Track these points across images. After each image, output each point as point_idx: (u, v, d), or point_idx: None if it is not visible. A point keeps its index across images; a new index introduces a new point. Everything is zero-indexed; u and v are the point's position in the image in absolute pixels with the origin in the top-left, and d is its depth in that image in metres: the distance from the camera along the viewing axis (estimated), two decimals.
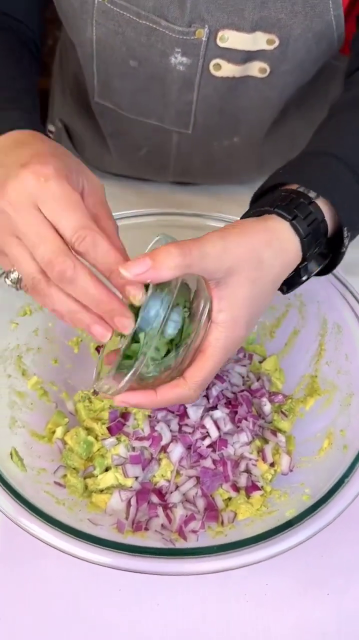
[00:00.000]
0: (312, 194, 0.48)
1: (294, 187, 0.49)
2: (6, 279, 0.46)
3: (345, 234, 0.48)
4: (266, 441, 0.56)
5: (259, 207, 0.49)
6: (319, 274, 0.52)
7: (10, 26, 0.66)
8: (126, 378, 0.42)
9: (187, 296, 0.46)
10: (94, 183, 0.49)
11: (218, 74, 0.64)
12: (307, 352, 0.61)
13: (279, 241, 0.46)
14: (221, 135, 0.74)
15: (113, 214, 0.58)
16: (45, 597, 0.50)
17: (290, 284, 0.50)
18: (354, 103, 0.57)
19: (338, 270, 0.59)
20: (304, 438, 0.56)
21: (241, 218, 0.51)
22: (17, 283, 0.45)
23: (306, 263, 0.49)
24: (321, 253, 0.51)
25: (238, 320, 0.45)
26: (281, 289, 0.51)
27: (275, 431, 0.56)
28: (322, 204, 0.48)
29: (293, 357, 0.62)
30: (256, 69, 0.64)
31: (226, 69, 0.64)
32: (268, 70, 0.64)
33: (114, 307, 0.42)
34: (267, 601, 0.51)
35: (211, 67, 0.64)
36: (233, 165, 0.81)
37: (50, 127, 0.92)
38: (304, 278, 0.50)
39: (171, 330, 0.44)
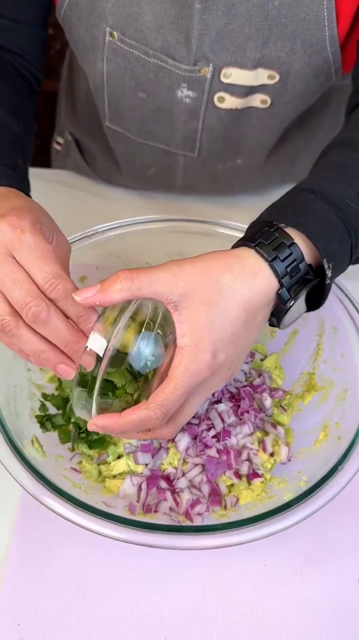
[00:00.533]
0: (282, 225, 0.48)
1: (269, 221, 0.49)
2: None
3: (326, 265, 0.47)
4: (266, 433, 0.60)
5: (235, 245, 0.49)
6: (311, 308, 0.51)
7: (9, 60, 0.68)
8: (86, 409, 0.46)
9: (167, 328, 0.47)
10: (62, 241, 0.51)
11: (222, 105, 0.68)
12: (306, 351, 0.65)
13: (240, 265, 0.46)
14: (225, 158, 0.78)
15: (122, 220, 0.63)
16: (59, 571, 0.54)
17: (278, 310, 0.48)
18: (343, 142, 0.57)
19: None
20: (302, 430, 0.60)
21: None
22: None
23: (284, 288, 0.47)
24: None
25: (199, 344, 0.44)
26: (271, 322, 0.50)
27: (275, 424, 0.61)
28: (296, 236, 0.47)
29: (293, 355, 0.67)
30: (257, 100, 0.68)
31: (229, 102, 0.68)
32: (269, 101, 0.68)
33: (82, 346, 0.45)
34: (265, 580, 0.55)
35: (215, 100, 0.68)
36: (236, 183, 0.85)
37: (59, 139, 0.96)
38: (290, 304, 0.47)
39: (142, 364, 0.46)
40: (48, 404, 0.59)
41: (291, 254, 0.46)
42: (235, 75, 0.65)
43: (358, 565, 0.56)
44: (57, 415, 0.58)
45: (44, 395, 0.60)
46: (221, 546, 0.46)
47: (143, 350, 0.46)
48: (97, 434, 0.57)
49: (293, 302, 0.47)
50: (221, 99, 0.68)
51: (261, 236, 0.47)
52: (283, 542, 0.57)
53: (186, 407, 0.47)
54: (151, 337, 0.46)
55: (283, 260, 0.46)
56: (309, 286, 0.48)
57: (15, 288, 0.45)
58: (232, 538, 0.46)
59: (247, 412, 0.59)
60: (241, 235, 0.51)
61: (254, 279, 0.46)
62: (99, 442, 0.57)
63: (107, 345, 0.44)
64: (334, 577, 0.55)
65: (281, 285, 0.46)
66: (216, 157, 0.78)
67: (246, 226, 0.52)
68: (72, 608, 0.52)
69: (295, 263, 0.47)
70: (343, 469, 0.50)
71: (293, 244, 0.47)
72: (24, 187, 0.55)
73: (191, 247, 0.68)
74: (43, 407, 0.59)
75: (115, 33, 0.65)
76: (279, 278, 0.46)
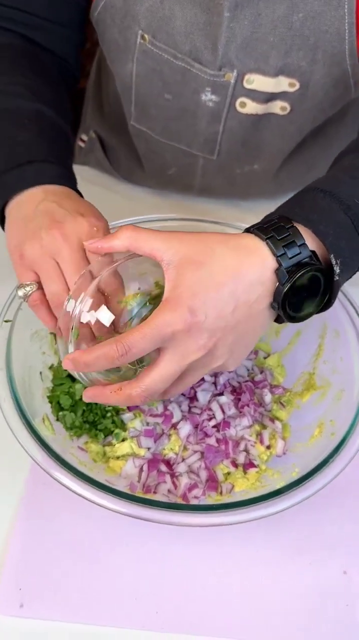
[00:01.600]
0: (292, 222, 0.48)
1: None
2: (19, 290, 0.55)
3: (333, 260, 0.48)
4: (264, 427, 0.63)
5: None
6: (322, 309, 0.52)
7: (49, 59, 0.72)
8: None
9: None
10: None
11: (243, 110, 0.72)
12: (307, 352, 0.68)
13: (236, 242, 0.48)
14: (243, 162, 0.81)
15: (136, 217, 0.67)
16: (61, 541, 0.57)
17: (278, 294, 0.49)
18: (357, 148, 0.60)
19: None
20: (299, 426, 0.63)
21: None
22: (26, 297, 0.55)
23: (282, 267, 0.47)
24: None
25: (178, 298, 0.45)
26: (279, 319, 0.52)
27: (273, 419, 0.64)
28: (304, 232, 0.48)
29: (295, 355, 0.70)
30: (277, 107, 0.71)
31: (251, 107, 0.71)
32: (289, 108, 0.71)
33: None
34: (256, 565, 0.58)
35: (237, 105, 0.71)
36: (252, 187, 0.88)
37: (83, 137, 0.99)
38: (287, 286, 0.47)
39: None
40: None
41: (292, 240, 0.47)
42: (257, 82, 0.68)
43: (345, 557, 0.59)
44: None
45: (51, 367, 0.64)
46: (213, 524, 0.49)
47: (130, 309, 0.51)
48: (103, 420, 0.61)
49: (289, 284, 0.47)
50: (243, 104, 0.71)
51: (263, 224, 0.49)
52: (275, 531, 0.60)
53: (156, 368, 0.47)
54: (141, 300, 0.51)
55: (279, 239, 0.47)
56: (310, 270, 0.47)
57: (73, 273, 0.52)
58: (225, 518, 0.49)
59: (247, 405, 0.63)
60: None
61: (248, 254, 0.47)
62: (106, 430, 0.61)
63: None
64: (321, 567, 0.58)
65: (279, 264, 0.47)
66: (234, 161, 0.81)
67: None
68: (72, 576, 0.56)
69: (296, 247, 0.47)
70: (333, 462, 0.52)
71: (297, 232, 0.48)
72: (76, 189, 0.61)
73: None
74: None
75: (146, 36, 0.68)
76: (276, 256, 0.47)
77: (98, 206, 0.59)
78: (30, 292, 0.54)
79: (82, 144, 1.00)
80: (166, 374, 0.47)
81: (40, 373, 0.62)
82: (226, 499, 0.57)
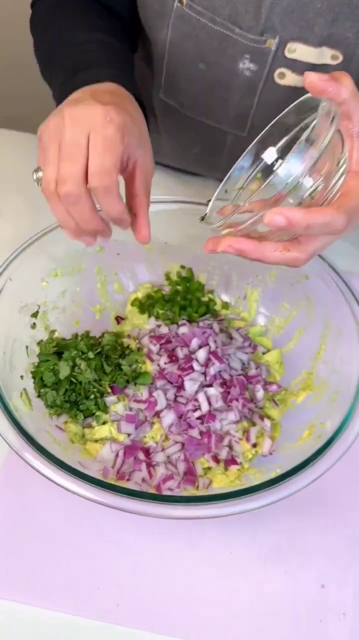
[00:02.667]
0: None
1: None
2: (35, 173, 0.52)
3: None
4: (253, 424, 0.60)
5: None
6: None
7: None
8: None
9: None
10: (146, 162, 0.55)
11: (281, 82, 0.69)
12: (308, 350, 0.64)
13: None
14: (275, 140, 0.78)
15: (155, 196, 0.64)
16: (37, 524, 0.56)
17: None
18: None
19: (347, 275, 0.62)
20: (290, 427, 0.60)
21: None
22: (40, 181, 0.52)
23: None
24: None
25: None
26: None
27: (263, 416, 0.60)
28: None
29: (295, 353, 0.66)
30: None
31: (289, 79, 0.68)
32: None
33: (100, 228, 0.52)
34: (230, 566, 0.55)
35: (275, 76, 0.68)
36: None
37: None
38: None
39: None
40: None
41: None
42: (299, 51, 0.65)
43: (323, 570, 0.55)
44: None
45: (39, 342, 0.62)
46: (186, 517, 0.46)
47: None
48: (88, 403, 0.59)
49: None
50: (282, 75, 0.68)
51: None
52: (251, 533, 0.56)
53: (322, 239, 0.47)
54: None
55: None
56: None
57: (67, 161, 0.49)
58: (199, 512, 0.46)
59: (236, 399, 0.59)
60: None
61: None
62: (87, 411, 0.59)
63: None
64: (296, 578, 0.54)
65: None
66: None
67: None
68: (37, 559, 0.54)
69: None
70: (315, 465, 0.49)
71: None
72: (133, 88, 0.59)
73: (208, 230, 0.68)
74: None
75: None
76: None
77: None
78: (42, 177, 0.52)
79: None
80: (328, 243, 0.47)
81: (27, 347, 0.61)
82: (202, 494, 0.54)
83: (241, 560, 0.55)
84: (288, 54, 0.66)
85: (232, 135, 0.78)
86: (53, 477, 0.48)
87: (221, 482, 0.55)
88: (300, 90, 0.69)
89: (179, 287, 0.71)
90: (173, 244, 0.71)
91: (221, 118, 0.76)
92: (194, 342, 0.62)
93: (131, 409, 0.59)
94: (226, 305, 0.71)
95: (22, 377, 0.58)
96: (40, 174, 0.52)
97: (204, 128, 0.79)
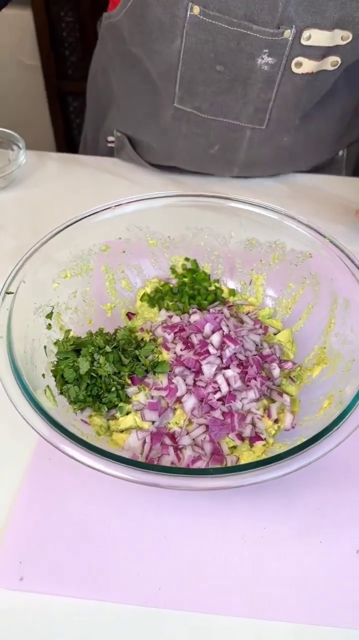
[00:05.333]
0: None
1: None
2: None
3: None
4: (272, 401, 0.61)
5: None
6: None
7: None
8: None
9: None
10: None
11: (298, 70, 0.72)
12: (319, 326, 0.66)
13: None
14: (292, 130, 0.81)
15: (142, 194, 0.66)
16: (63, 515, 0.56)
17: None
18: None
19: (351, 250, 0.64)
20: (309, 401, 0.61)
21: None
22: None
23: None
24: None
25: None
26: None
27: (281, 392, 0.61)
28: None
29: (306, 330, 0.67)
30: (329, 63, 0.71)
31: (306, 66, 0.72)
32: (339, 62, 0.71)
33: None
34: (263, 543, 0.56)
35: (292, 65, 0.71)
36: (299, 157, 0.87)
37: (110, 138, 1.00)
38: None
39: None
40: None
41: None
42: (314, 37, 0.69)
43: (357, 539, 0.56)
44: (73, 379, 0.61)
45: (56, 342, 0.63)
46: (217, 488, 0.47)
47: None
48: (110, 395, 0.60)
49: None
50: (298, 64, 0.71)
51: None
52: (283, 509, 0.57)
53: None
54: None
55: None
56: None
57: None
58: (228, 482, 0.47)
59: (254, 378, 0.61)
60: (251, 208, 0.55)
61: None
62: (109, 403, 0.60)
63: None
64: (331, 547, 0.55)
65: None
66: (283, 130, 0.81)
67: (257, 201, 0.55)
68: (73, 550, 0.54)
69: None
70: (338, 429, 0.50)
71: None
72: None
73: (208, 221, 0.70)
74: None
75: (196, 7, 0.68)
76: None
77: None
78: None
79: (112, 145, 1.01)
80: None
81: (45, 347, 0.62)
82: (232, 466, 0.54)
83: (276, 536, 0.56)
84: (303, 42, 0.69)
85: (251, 130, 0.81)
86: (90, 463, 0.49)
87: (249, 458, 0.56)
88: (316, 76, 0.73)
89: (185, 279, 0.72)
90: (176, 237, 0.72)
91: (240, 114, 0.79)
92: (207, 327, 0.64)
93: (152, 397, 0.60)
94: (233, 292, 0.73)
95: (43, 375, 0.59)
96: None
97: (222, 127, 0.81)
